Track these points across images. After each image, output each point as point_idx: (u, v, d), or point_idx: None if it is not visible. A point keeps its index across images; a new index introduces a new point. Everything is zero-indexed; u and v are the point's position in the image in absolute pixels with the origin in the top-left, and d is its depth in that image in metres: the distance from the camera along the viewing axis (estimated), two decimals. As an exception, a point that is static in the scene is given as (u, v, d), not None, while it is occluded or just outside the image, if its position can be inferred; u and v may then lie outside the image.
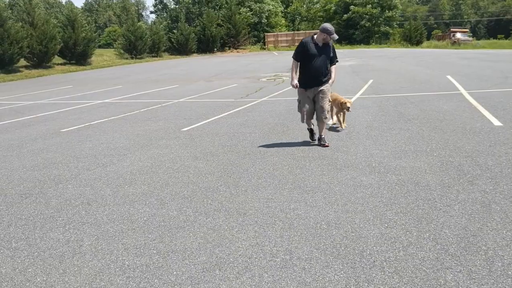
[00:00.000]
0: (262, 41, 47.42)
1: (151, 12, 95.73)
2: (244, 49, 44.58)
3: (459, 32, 47.97)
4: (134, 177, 4.98)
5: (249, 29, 46.68)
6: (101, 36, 55.98)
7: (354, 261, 2.83)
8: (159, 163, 5.55)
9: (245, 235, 3.30)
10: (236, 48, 44.42)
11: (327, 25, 5.61)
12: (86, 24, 34.03)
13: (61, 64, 30.13)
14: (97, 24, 66.24)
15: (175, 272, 2.83)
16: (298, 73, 5.88)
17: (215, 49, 43.43)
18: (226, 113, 9.14)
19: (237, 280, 2.69)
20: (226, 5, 45.61)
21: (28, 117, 10.26)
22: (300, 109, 5.97)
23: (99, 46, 43.13)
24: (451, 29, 52.73)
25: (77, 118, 9.63)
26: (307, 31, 44.55)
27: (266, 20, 48.93)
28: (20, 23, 27.42)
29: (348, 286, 2.56)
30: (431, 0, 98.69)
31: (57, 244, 3.35)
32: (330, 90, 6.00)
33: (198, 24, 43.44)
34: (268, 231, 3.35)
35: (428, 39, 52.04)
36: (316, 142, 6.05)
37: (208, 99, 11.75)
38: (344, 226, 3.35)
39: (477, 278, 2.55)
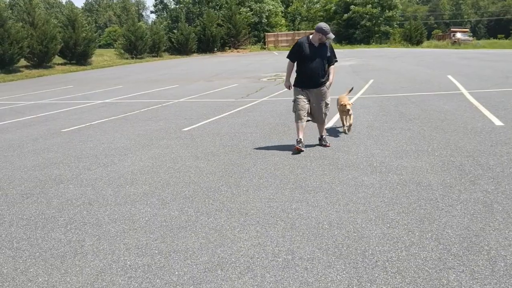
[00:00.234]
0: (262, 41, 47.42)
1: (152, 12, 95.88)
2: (244, 49, 44.59)
3: (459, 32, 47.99)
4: (135, 177, 4.98)
5: (249, 29, 46.67)
6: (101, 36, 56.00)
7: (356, 261, 2.83)
8: (160, 163, 5.55)
9: (247, 235, 3.30)
10: (236, 48, 44.42)
11: (322, 25, 5.44)
12: (87, 24, 34.07)
13: (61, 64, 30.15)
14: (97, 24, 66.28)
15: (177, 272, 2.83)
16: (295, 74, 5.75)
17: (215, 49, 43.44)
18: (226, 113, 9.13)
19: (239, 280, 2.69)
20: (226, 5, 45.61)
21: (29, 117, 10.26)
22: (294, 108, 5.75)
23: (100, 46, 43.14)
24: (451, 29, 52.73)
25: (78, 118, 9.62)
26: (307, 31, 44.50)
27: (266, 20, 48.93)
28: (21, 23, 27.44)
29: (350, 286, 2.55)
30: (431, 0, 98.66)
31: (59, 244, 3.35)
32: (329, 92, 5.78)
33: (198, 24, 43.43)
34: (270, 231, 3.34)
35: (428, 39, 52.05)
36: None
37: (208, 99, 11.75)
38: (346, 226, 3.34)
39: (480, 278, 2.55)
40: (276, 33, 47.44)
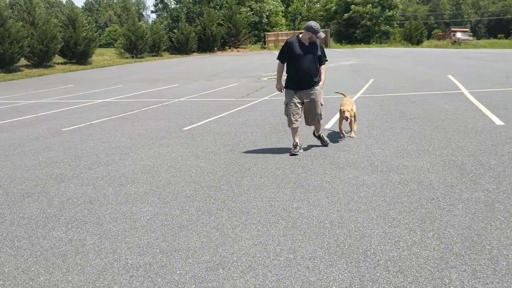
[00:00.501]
0: (262, 40, 47.40)
1: (152, 12, 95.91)
2: (245, 48, 44.58)
3: (460, 31, 48.00)
4: (136, 176, 4.97)
5: (250, 29, 46.67)
6: (101, 35, 56.02)
7: (358, 260, 2.82)
8: (161, 162, 5.54)
9: (248, 234, 3.29)
10: (236, 48, 44.42)
11: (312, 23, 5.29)
12: (87, 24, 34.06)
13: (61, 63, 30.15)
14: (97, 24, 66.32)
15: (178, 271, 2.82)
16: (286, 75, 5.53)
17: (216, 48, 43.42)
18: (227, 112, 9.13)
19: (241, 279, 2.68)
20: (226, 5, 45.61)
21: (29, 116, 10.25)
22: (287, 112, 5.51)
23: (100, 46, 43.14)
24: (452, 29, 52.76)
25: (78, 117, 9.62)
26: (307, 31, 44.49)
27: (266, 20, 48.91)
28: (21, 23, 27.42)
29: (352, 285, 2.55)
30: (431, 0, 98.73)
31: (60, 243, 3.34)
32: (322, 92, 5.58)
33: (198, 23, 43.41)
34: (272, 230, 3.34)
35: (428, 38, 52.06)
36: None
37: (208, 98, 11.75)
38: (348, 225, 3.34)
39: (482, 277, 2.55)
40: (276, 32, 47.42)
